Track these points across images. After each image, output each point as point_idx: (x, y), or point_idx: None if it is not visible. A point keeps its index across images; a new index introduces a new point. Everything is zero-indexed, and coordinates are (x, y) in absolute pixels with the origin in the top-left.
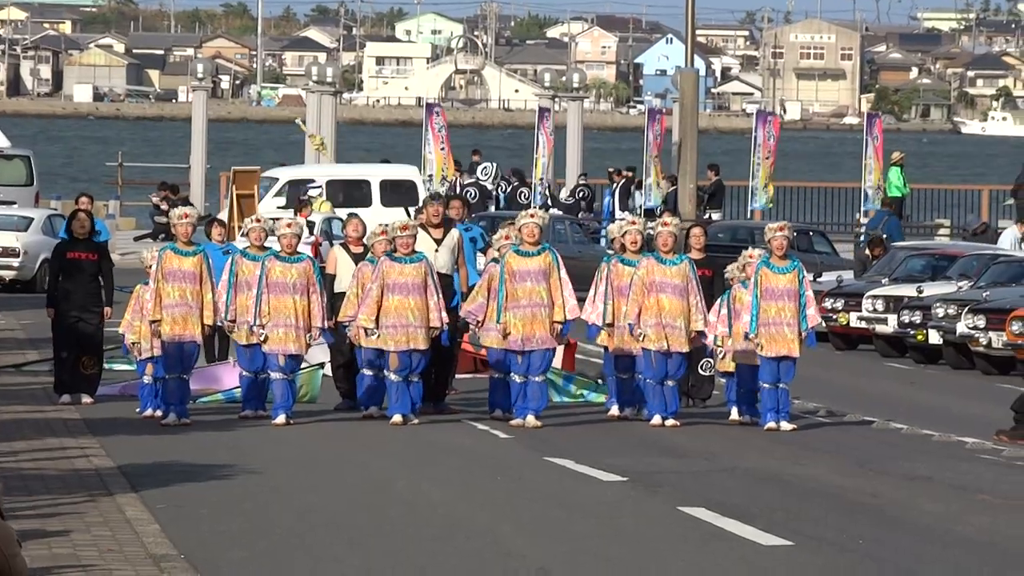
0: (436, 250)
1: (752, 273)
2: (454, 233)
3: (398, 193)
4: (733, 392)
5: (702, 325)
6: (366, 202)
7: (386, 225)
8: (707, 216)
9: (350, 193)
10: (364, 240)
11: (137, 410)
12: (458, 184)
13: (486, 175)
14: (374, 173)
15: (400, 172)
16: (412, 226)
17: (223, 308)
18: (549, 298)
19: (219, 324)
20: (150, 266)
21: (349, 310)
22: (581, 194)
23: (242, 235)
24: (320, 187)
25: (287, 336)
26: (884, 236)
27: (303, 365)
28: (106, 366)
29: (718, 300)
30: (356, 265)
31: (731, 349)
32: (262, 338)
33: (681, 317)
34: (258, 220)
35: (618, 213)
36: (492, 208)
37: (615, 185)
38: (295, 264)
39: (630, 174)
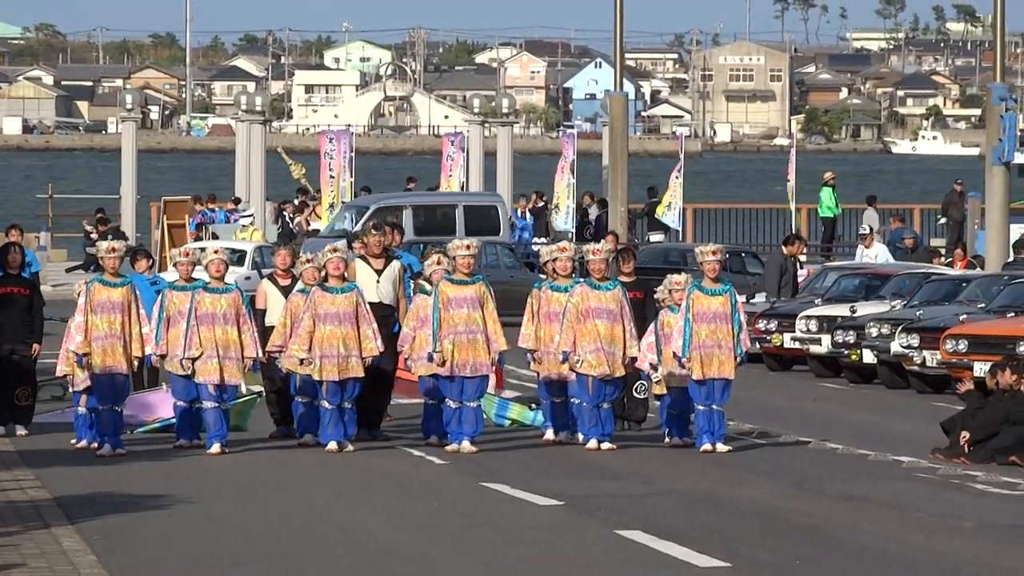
0: (377, 281)
1: (681, 299)
2: (395, 265)
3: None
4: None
5: (635, 351)
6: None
7: (312, 254)
8: (647, 239)
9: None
10: (292, 270)
11: (72, 441)
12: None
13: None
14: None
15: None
16: (342, 248)
17: (154, 340)
18: (485, 324)
19: (148, 355)
20: (79, 293)
21: (277, 339)
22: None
23: (173, 265)
24: (252, 215)
25: (218, 367)
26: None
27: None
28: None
29: (649, 326)
30: (285, 298)
31: (663, 375)
32: (189, 371)
33: (617, 342)
34: (186, 254)
35: (537, 238)
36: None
37: (532, 208)
38: (224, 295)
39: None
